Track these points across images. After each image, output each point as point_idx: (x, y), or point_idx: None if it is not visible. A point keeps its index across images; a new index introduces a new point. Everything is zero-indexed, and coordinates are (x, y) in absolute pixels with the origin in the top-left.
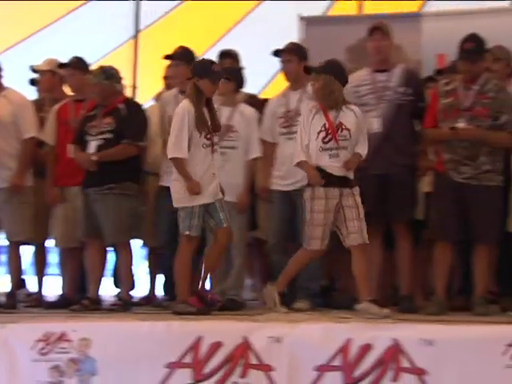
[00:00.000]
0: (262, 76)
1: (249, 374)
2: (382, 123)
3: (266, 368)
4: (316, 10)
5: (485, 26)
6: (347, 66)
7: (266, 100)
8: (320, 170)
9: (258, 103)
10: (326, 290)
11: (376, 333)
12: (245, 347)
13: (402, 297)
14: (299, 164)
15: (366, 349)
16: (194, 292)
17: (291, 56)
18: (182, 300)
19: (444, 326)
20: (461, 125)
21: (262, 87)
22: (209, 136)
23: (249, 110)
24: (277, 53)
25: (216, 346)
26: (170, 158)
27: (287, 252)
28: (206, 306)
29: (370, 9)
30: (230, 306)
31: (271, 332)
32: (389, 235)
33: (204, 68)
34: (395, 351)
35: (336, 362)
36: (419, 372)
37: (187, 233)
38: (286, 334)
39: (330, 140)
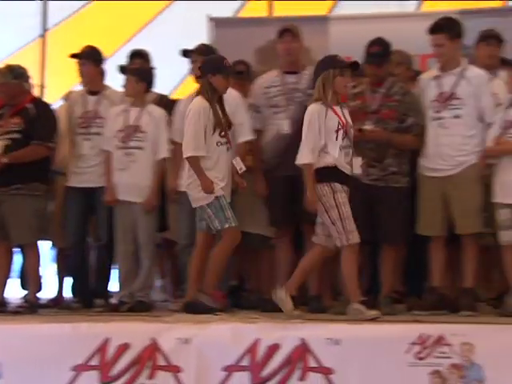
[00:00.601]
0: (174, 76)
1: (157, 376)
2: (291, 125)
3: (174, 369)
4: (227, 10)
5: (391, 29)
6: (256, 69)
7: (177, 100)
8: (337, 169)
9: (168, 103)
10: (235, 290)
11: (284, 333)
12: (153, 349)
13: (310, 297)
14: (303, 166)
15: (273, 349)
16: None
17: (200, 57)
18: (207, 292)
19: (350, 326)
20: (367, 127)
21: (174, 87)
22: (223, 133)
23: (157, 111)
24: (185, 53)
25: (123, 348)
26: (186, 157)
27: None
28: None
29: (279, 11)
30: (139, 308)
31: (179, 333)
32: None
33: (216, 64)
34: (302, 351)
35: (244, 362)
36: (326, 371)
37: (227, 226)
38: (194, 335)
39: (343, 138)
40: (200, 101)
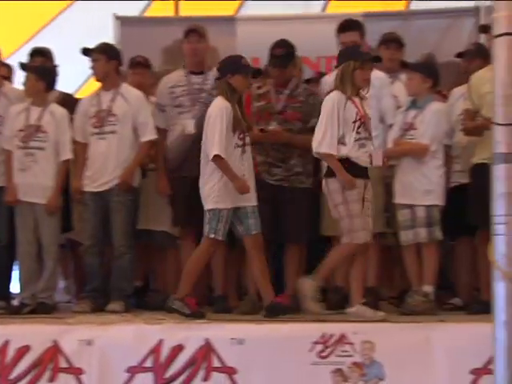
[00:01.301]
0: (78, 75)
1: (58, 378)
2: (196, 125)
3: (76, 371)
4: (134, 9)
5: (297, 31)
6: (162, 68)
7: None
8: (349, 161)
9: (72, 102)
10: (140, 291)
11: (188, 333)
12: (54, 351)
13: (216, 297)
14: (326, 156)
15: (177, 349)
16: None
17: (99, 55)
18: (180, 298)
19: (254, 325)
20: (271, 127)
21: (79, 86)
22: (241, 136)
23: (59, 111)
24: (86, 52)
25: (24, 350)
26: (214, 158)
27: (103, 254)
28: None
29: (186, 10)
30: (41, 309)
31: (82, 335)
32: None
33: (235, 64)
34: (206, 351)
35: (147, 364)
36: (229, 371)
37: (212, 236)
38: (97, 337)
39: (360, 129)
40: (221, 101)
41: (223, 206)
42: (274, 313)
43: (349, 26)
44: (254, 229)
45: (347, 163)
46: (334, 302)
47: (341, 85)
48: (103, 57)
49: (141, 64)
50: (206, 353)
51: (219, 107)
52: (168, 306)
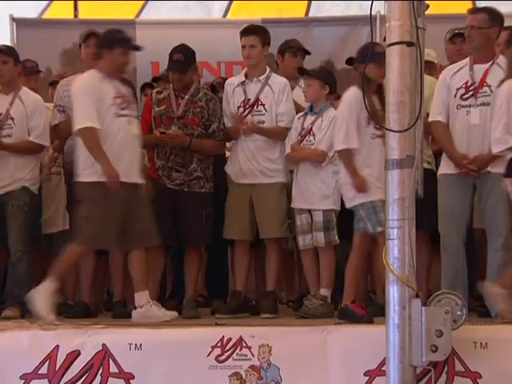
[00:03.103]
0: None
1: None
2: None
3: None
4: (32, 10)
5: (197, 36)
6: (61, 71)
7: None
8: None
9: None
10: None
11: (84, 339)
12: None
13: (115, 302)
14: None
15: (73, 355)
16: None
17: (8, 57)
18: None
19: (152, 330)
20: (171, 131)
21: None
22: (377, 126)
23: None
24: None
25: None
26: (339, 151)
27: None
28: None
29: (85, 13)
30: None
31: None
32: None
33: (366, 52)
34: (103, 356)
35: (43, 370)
36: (127, 376)
37: (379, 229)
38: None
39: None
40: (353, 91)
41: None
42: (345, 317)
43: (251, 29)
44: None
45: None
46: (233, 305)
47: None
48: (11, 59)
49: (29, 68)
50: (103, 358)
51: (349, 98)
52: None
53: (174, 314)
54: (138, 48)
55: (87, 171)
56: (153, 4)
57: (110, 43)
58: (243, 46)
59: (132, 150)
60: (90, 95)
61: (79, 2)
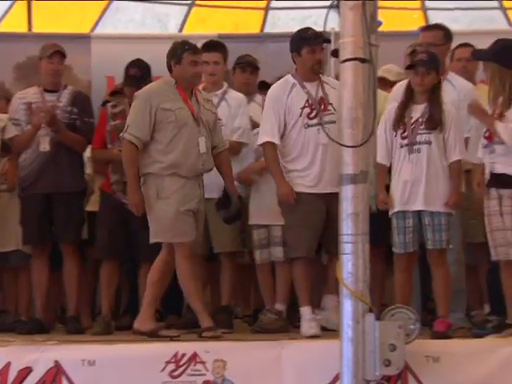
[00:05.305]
0: None
1: None
2: (50, 142)
3: None
4: None
5: (153, 51)
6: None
7: None
8: None
9: None
10: None
11: (37, 355)
12: None
13: (69, 318)
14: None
15: (25, 372)
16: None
17: None
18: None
19: (106, 346)
20: None
21: None
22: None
23: None
24: None
25: None
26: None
27: None
28: None
29: (39, 27)
30: None
31: None
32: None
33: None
34: (56, 373)
35: None
36: None
37: None
38: None
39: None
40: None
41: None
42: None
43: (214, 45)
44: None
45: None
46: (187, 320)
47: None
48: None
49: None
50: (55, 375)
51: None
52: None
53: None
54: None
55: None
56: (108, 19)
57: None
58: (206, 62)
59: None
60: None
61: (33, 16)
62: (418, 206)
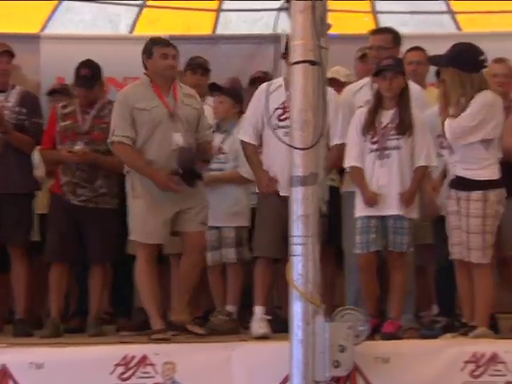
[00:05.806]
0: None
1: None
2: (1, 143)
3: None
4: None
5: (104, 51)
6: None
7: None
8: None
9: None
10: None
11: None
12: None
13: (17, 320)
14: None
15: None
16: None
17: None
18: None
19: (54, 349)
20: (78, 147)
21: None
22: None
23: None
24: None
25: None
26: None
27: None
28: None
29: None
30: None
31: None
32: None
33: None
34: (2, 376)
35: None
36: None
37: None
38: None
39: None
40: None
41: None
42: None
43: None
44: None
45: None
46: (138, 323)
47: None
48: None
49: None
50: (2, 378)
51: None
52: None
53: None
54: None
55: None
56: (58, 19)
57: None
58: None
59: None
60: None
61: None
62: (388, 211)
